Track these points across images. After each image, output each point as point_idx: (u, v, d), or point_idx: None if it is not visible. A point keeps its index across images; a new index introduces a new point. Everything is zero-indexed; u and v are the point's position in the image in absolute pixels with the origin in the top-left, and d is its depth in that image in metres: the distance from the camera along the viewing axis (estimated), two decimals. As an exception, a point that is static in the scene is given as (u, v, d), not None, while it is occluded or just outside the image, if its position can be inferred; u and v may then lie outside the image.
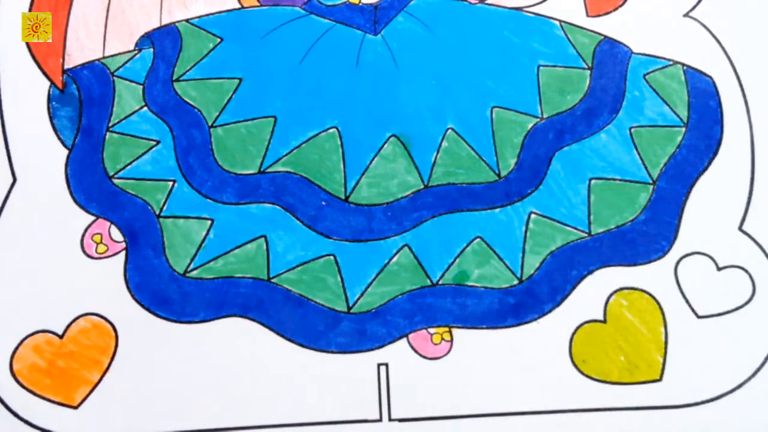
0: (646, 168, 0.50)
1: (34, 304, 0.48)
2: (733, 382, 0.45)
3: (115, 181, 0.50)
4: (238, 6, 0.53)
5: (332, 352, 0.47)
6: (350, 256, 0.49)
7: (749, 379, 0.45)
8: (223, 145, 0.51)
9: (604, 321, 0.47)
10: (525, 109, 0.51)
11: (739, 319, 0.47)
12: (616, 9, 0.53)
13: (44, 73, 0.52)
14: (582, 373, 0.46)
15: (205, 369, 0.47)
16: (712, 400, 0.45)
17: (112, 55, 0.52)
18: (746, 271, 0.47)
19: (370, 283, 0.48)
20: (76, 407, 0.46)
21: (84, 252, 0.49)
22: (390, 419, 0.46)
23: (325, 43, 0.53)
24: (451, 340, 0.47)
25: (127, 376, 0.47)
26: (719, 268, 0.48)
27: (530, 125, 0.51)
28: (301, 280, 0.48)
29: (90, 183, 0.50)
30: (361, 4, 0.54)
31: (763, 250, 0.48)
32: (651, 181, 0.50)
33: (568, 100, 0.51)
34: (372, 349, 0.47)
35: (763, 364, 0.46)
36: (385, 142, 0.51)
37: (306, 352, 0.47)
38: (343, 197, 0.50)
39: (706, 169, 0.50)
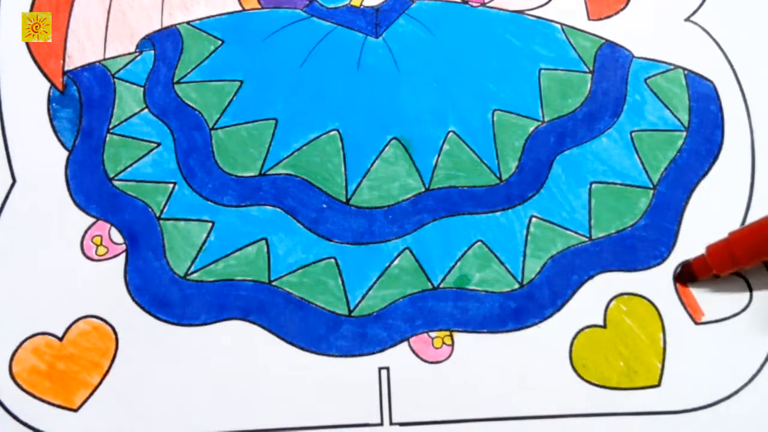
0: (646, 172, 0.50)
1: (34, 307, 0.48)
2: (730, 387, 0.46)
3: (116, 183, 0.50)
4: (239, 8, 0.53)
5: (333, 356, 0.47)
6: (351, 259, 0.49)
7: (746, 385, 0.46)
8: (224, 148, 0.51)
9: (604, 326, 0.47)
10: (526, 113, 0.51)
11: (736, 325, 0.47)
12: (617, 13, 0.53)
13: (44, 75, 0.51)
14: (582, 378, 0.46)
15: (206, 372, 0.47)
16: (709, 405, 0.45)
17: (112, 57, 0.52)
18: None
19: (371, 287, 0.48)
20: (75, 410, 0.46)
21: (84, 254, 0.49)
22: (391, 423, 0.46)
23: (326, 45, 0.52)
24: (452, 344, 0.47)
25: (127, 379, 0.47)
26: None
27: (531, 128, 0.51)
28: (301, 283, 0.48)
29: (90, 185, 0.50)
30: (362, 6, 0.53)
31: (762, 256, 0.48)
32: (651, 186, 0.50)
33: (570, 103, 0.51)
34: (373, 353, 0.47)
35: (759, 370, 0.46)
36: (386, 145, 0.51)
37: (307, 356, 0.47)
38: (344, 200, 0.50)
39: (706, 173, 0.50)
